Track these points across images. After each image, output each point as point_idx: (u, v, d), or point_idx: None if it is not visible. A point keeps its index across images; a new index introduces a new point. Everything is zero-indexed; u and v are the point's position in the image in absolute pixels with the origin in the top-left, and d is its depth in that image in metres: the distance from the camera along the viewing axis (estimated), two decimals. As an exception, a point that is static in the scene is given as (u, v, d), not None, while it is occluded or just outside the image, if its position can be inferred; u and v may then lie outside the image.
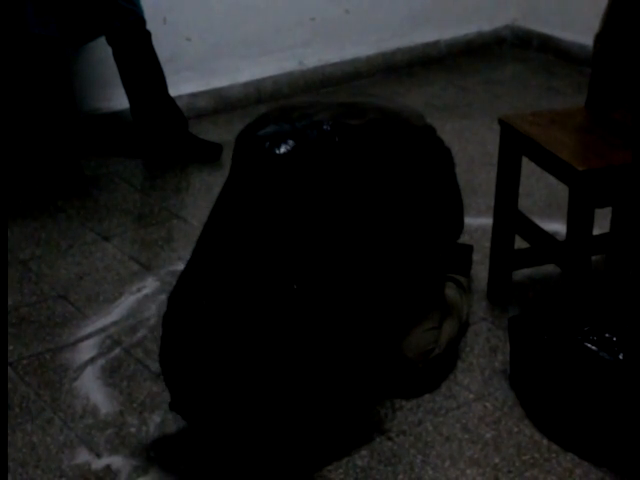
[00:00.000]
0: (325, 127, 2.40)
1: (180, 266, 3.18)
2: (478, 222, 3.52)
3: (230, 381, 2.30)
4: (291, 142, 2.37)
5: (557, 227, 3.35)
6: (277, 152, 2.35)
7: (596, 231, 2.80)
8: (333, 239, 2.39)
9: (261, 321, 2.29)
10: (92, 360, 2.84)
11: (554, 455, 2.47)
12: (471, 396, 2.68)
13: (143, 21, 3.89)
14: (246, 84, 4.66)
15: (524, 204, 3.17)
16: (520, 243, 3.05)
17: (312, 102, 2.60)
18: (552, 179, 2.91)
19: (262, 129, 2.44)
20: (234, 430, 2.37)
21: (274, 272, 2.32)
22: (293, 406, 2.36)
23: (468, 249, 3.11)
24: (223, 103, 4.60)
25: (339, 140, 2.39)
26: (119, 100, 4.17)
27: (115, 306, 3.10)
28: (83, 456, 2.48)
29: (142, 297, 3.14)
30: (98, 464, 2.46)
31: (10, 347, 2.87)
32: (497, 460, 2.46)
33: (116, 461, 2.46)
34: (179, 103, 4.14)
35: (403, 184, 2.54)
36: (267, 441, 2.38)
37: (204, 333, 2.32)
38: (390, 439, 2.52)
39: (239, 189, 2.41)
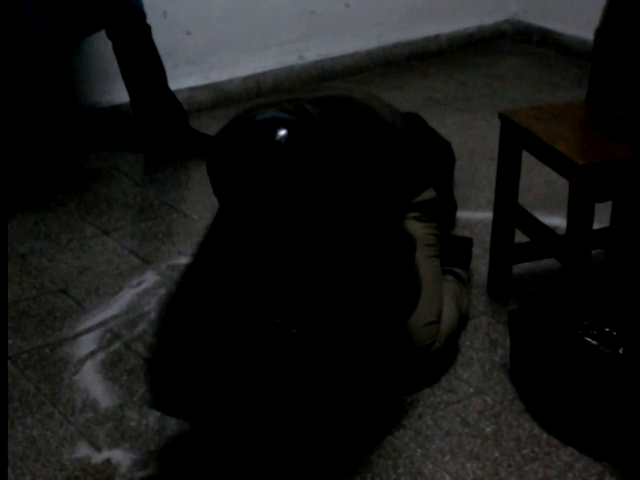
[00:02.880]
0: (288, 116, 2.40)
1: (180, 260, 3.19)
2: (478, 216, 3.52)
3: (232, 380, 2.29)
4: (280, 134, 2.36)
5: (557, 221, 3.35)
6: (269, 144, 2.33)
7: (596, 225, 2.80)
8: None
9: (264, 316, 2.29)
10: (92, 354, 2.84)
11: (554, 449, 2.47)
12: (471, 390, 2.68)
13: (143, 15, 3.89)
14: (246, 78, 4.65)
15: (524, 198, 3.17)
16: (520, 237, 3.05)
17: (281, 100, 2.59)
18: (552, 173, 2.91)
19: (239, 135, 2.41)
20: (234, 428, 2.37)
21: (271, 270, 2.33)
22: (293, 403, 2.35)
23: (468, 242, 3.11)
24: (223, 97, 4.59)
25: (302, 129, 2.39)
26: (119, 94, 4.16)
27: (115, 300, 3.10)
28: (83, 450, 2.48)
29: (142, 291, 3.14)
30: (98, 458, 2.46)
31: (10, 341, 2.87)
32: (497, 454, 2.46)
33: (116, 455, 2.47)
34: (179, 97, 4.14)
35: (361, 177, 2.52)
36: (266, 437, 2.37)
37: (209, 327, 2.32)
38: (390, 433, 2.52)
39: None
